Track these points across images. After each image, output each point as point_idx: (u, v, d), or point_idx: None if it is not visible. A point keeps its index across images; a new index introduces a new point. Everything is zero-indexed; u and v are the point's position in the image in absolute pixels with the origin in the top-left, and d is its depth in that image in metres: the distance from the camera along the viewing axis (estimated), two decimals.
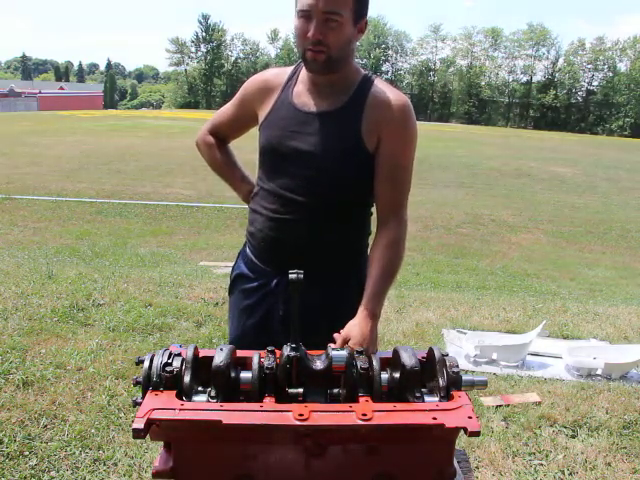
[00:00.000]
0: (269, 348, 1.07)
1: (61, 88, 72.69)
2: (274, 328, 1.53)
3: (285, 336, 1.27)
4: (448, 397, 0.99)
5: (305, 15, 1.33)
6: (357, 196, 1.50)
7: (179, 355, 1.03)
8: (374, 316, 1.38)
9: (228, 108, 1.67)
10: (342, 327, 1.37)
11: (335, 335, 1.35)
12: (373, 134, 1.42)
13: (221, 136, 1.71)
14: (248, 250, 1.62)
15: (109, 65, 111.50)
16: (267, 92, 1.52)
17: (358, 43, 1.50)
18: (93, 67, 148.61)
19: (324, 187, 1.45)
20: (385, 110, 1.41)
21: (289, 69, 1.55)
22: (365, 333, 1.34)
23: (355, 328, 1.34)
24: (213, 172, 1.78)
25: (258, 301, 1.56)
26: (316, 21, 1.32)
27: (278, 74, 1.54)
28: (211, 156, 1.71)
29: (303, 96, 1.47)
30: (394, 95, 1.43)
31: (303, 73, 1.49)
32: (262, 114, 1.52)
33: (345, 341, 1.32)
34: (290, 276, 1.05)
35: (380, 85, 1.46)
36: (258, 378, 1.01)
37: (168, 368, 0.99)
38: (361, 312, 1.38)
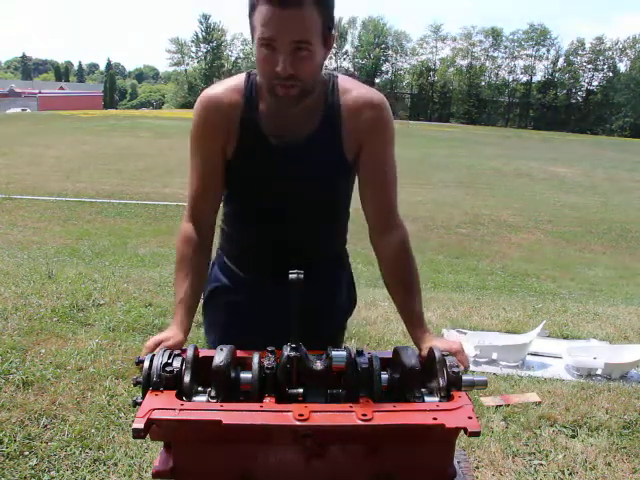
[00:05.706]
0: (269, 348, 1.07)
1: (61, 88, 72.76)
2: (269, 334, 1.38)
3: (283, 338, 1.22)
4: (448, 397, 0.99)
5: (269, 45, 1.12)
6: (342, 204, 1.45)
7: (179, 355, 1.03)
8: (428, 330, 1.27)
9: (193, 176, 1.34)
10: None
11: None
12: (354, 144, 1.31)
13: (206, 215, 1.36)
14: (227, 262, 1.48)
15: (109, 65, 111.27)
16: (224, 118, 1.27)
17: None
18: (93, 67, 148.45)
19: (314, 211, 1.37)
20: (362, 117, 1.28)
21: (239, 83, 1.30)
22: (449, 343, 1.19)
23: (441, 342, 1.19)
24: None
25: (250, 312, 1.44)
26: (284, 53, 1.11)
27: (226, 93, 1.28)
28: (183, 255, 1.31)
29: (273, 125, 1.28)
30: (366, 97, 1.29)
31: (263, 91, 1.26)
32: (229, 147, 1.29)
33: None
34: (290, 276, 1.05)
35: (347, 89, 1.30)
36: (258, 378, 1.01)
37: (168, 368, 0.99)
38: (423, 333, 1.25)
